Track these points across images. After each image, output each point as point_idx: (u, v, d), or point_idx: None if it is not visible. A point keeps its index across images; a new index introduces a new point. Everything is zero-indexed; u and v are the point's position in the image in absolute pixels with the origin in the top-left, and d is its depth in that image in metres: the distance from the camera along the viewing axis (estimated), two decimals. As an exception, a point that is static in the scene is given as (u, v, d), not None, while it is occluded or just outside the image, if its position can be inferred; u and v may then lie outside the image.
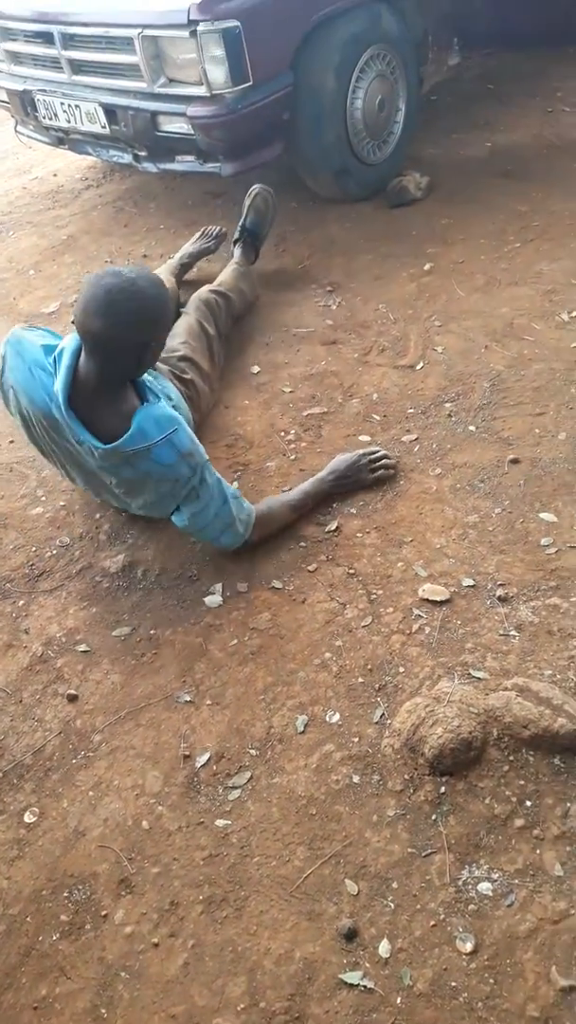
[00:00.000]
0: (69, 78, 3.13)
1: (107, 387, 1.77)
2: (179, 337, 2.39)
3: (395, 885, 1.35)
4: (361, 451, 2.10)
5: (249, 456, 2.21)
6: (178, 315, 2.50)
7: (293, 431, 2.28)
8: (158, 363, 2.18)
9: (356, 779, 1.49)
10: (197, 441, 1.84)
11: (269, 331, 2.72)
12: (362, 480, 2.05)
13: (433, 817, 1.42)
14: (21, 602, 1.95)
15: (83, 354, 1.75)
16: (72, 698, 1.73)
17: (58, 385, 1.74)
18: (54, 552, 2.05)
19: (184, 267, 2.94)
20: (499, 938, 1.27)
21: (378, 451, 2.09)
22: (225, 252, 3.04)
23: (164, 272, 2.87)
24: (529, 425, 2.14)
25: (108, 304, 1.64)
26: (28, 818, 1.54)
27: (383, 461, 2.07)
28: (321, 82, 2.98)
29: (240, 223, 2.96)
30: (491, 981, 1.23)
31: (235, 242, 2.95)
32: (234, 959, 1.31)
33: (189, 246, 3.04)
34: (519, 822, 1.39)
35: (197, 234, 3.10)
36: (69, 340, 1.79)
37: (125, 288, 1.65)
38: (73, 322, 1.72)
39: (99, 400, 1.76)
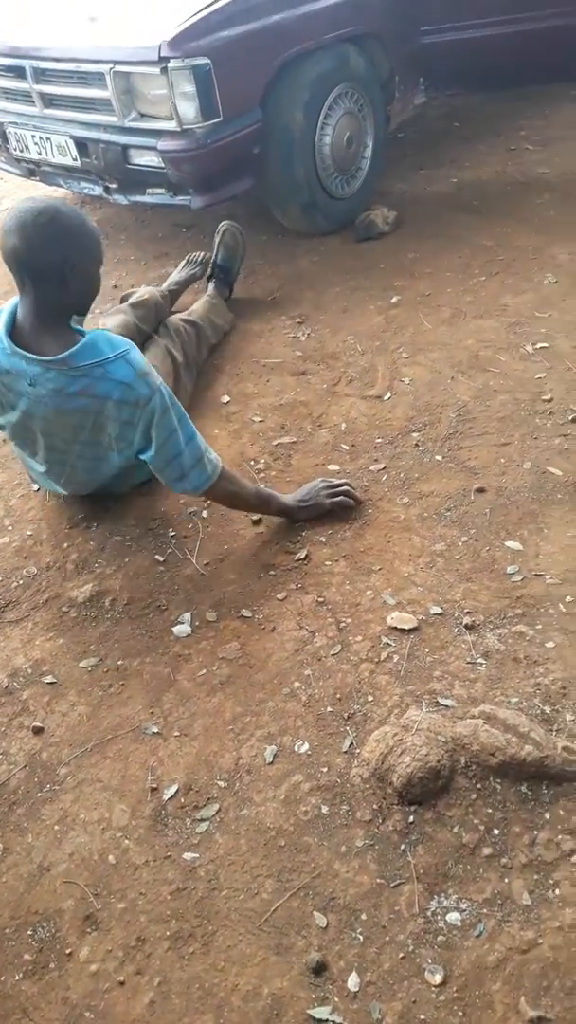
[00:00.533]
0: (41, 111, 3.16)
1: (45, 318, 1.80)
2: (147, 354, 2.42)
3: (364, 917, 1.34)
4: (324, 478, 2.11)
5: (218, 485, 2.21)
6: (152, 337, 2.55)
7: (263, 460, 2.29)
8: None
9: (325, 810, 1.49)
10: (151, 365, 1.86)
11: (239, 361, 2.74)
12: (320, 504, 2.06)
13: (402, 847, 1.42)
14: (-13, 633, 1.93)
15: (19, 298, 1.81)
16: (38, 730, 1.70)
17: (1, 327, 1.80)
18: (20, 582, 2.03)
19: (173, 295, 2.96)
20: (468, 969, 1.26)
21: (343, 481, 2.10)
22: (199, 286, 3.07)
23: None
24: (494, 455, 2.17)
25: (22, 223, 1.70)
26: (-9, 854, 1.51)
27: (343, 489, 2.08)
28: (290, 118, 3.04)
29: (212, 260, 3.01)
30: (460, 1013, 1.22)
31: (208, 278, 3.00)
32: (201, 996, 1.29)
33: (176, 274, 3.07)
34: (487, 851, 1.39)
35: (182, 262, 3.13)
36: (7, 303, 1.86)
37: (39, 208, 1.71)
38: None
39: (41, 333, 1.80)
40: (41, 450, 1.99)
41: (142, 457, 1.92)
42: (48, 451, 1.99)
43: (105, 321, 2.49)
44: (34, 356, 1.78)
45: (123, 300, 2.63)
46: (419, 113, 3.83)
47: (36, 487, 2.29)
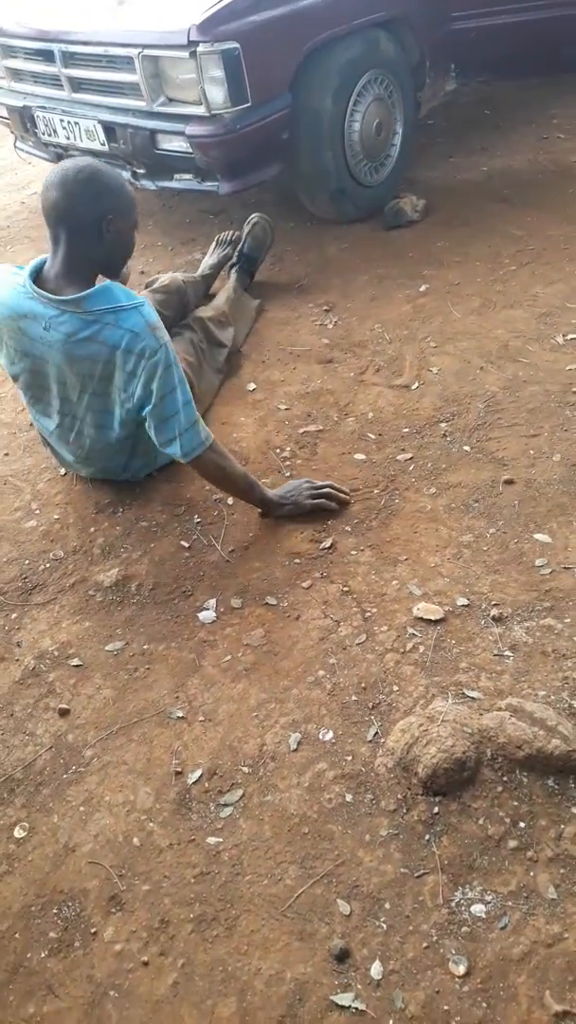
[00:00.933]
0: (69, 95, 3.16)
1: (72, 270, 1.86)
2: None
3: (387, 906, 1.34)
4: (308, 479, 2.11)
5: (244, 472, 2.21)
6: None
7: (288, 448, 2.29)
8: None
9: (349, 798, 1.49)
10: (163, 326, 1.90)
11: (265, 349, 2.73)
12: (300, 504, 2.05)
13: (426, 837, 1.41)
14: (14, 615, 1.94)
15: (51, 251, 1.88)
16: (64, 712, 1.71)
17: (26, 271, 1.89)
18: (48, 565, 2.04)
19: (207, 279, 2.95)
20: (492, 961, 1.26)
21: (326, 483, 2.08)
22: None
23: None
24: (524, 446, 2.15)
25: (63, 178, 1.79)
26: (18, 833, 1.52)
27: (325, 491, 2.06)
28: (320, 104, 3.01)
29: (238, 249, 3.01)
30: (484, 1005, 1.22)
31: (232, 267, 2.99)
32: (224, 979, 1.30)
33: (209, 258, 3.07)
34: (513, 843, 1.38)
35: (212, 245, 3.12)
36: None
37: (80, 165, 1.81)
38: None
39: (65, 282, 1.86)
40: (54, 400, 2.02)
41: (143, 413, 1.93)
42: (60, 402, 2.01)
43: None
44: (50, 296, 1.84)
45: (147, 287, 2.63)
46: (450, 100, 3.78)
47: (63, 471, 2.30)
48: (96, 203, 1.80)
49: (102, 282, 1.89)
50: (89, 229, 1.82)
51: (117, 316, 1.82)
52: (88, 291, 1.83)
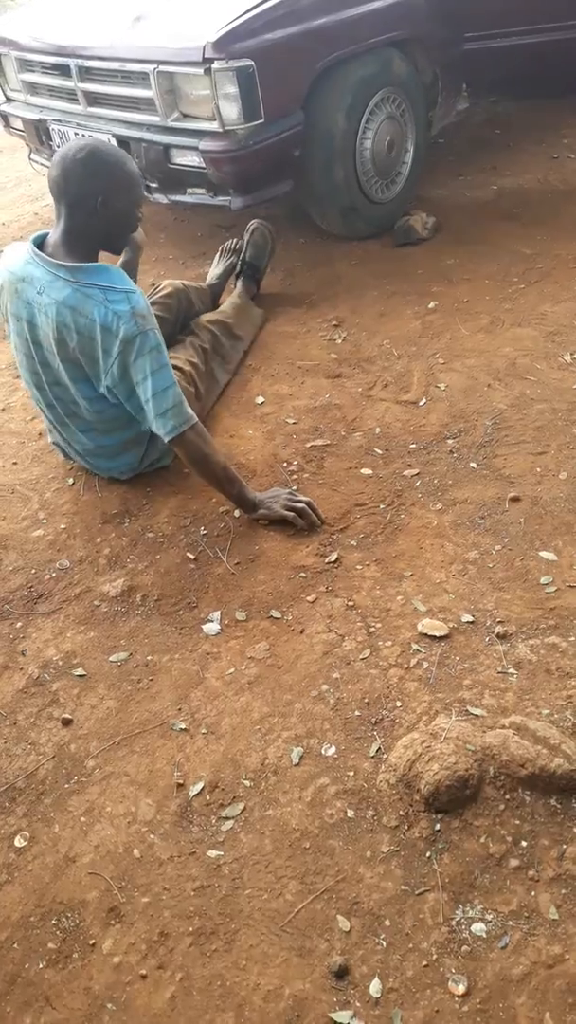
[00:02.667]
0: (84, 109, 3.19)
1: (73, 242, 1.94)
2: (173, 350, 2.49)
3: (387, 923, 1.34)
4: (291, 490, 2.13)
5: (251, 485, 2.21)
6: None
7: (296, 462, 2.29)
8: None
9: (350, 813, 1.48)
10: (153, 315, 1.95)
11: (274, 363, 2.74)
12: (273, 509, 2.07)
13: (427, 854, 1.41)
14: (19, 624, 1.94)
15: (54, 223, 1.97)
16: (67, 722, 1.72)
17: (31, 238, 1.99)
18: (53, 575, 2.05)
19: (215, 288, 2.98)
20: (492, 981, 1.25)
21: (306, 500, 2.09)
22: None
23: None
24: (530, 464, 2.16)
25: (63, 157, 1.88)
26: (18, 842, 1.52)
27: (300, 507, 2.06)
28: (332, 122, 3.04)
29: (240, 257, 3.03)
30: (483, 1024, 1.21)
31: (236, 276, 3.02)
32: (222, 994, 1.29)
33: (215, 268, 3.10)
34: (514, 862, 1.38)
35: (217, 255, 3.16)
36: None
37: (80, 145, 1.89)
38: None
39: (67, 252, 1.94)
40: (38, 367, 2.07)
41: (121, 393, 2.01)
42: (43, 368, 2.06)
43: None
44: (49, 259, 1.91)
45: (149, 296, 2.65)
46: (461, 119, 3.81)
47: (71, 481, 2.31)
48: (91, 182, 1.87)
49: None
50: (85, 206, 1.89)
51: (106, 294, 1.88)
52: (85, 263, 1.91)
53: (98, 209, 1.90)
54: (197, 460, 2.02)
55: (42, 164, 3.68)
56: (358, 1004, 1.25)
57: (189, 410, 1.97)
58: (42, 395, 2.15)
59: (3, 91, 3.69)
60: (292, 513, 2.05)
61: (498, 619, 1.77)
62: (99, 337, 1.90)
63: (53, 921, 1.41)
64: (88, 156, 1.86)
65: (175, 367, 2.37)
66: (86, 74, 3.12)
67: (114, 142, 3.06)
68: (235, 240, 3.14)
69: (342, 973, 1.29)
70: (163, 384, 1.94)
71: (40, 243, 1.98)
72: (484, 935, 1.30)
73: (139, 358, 1.91)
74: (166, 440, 1.98)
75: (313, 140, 3.04)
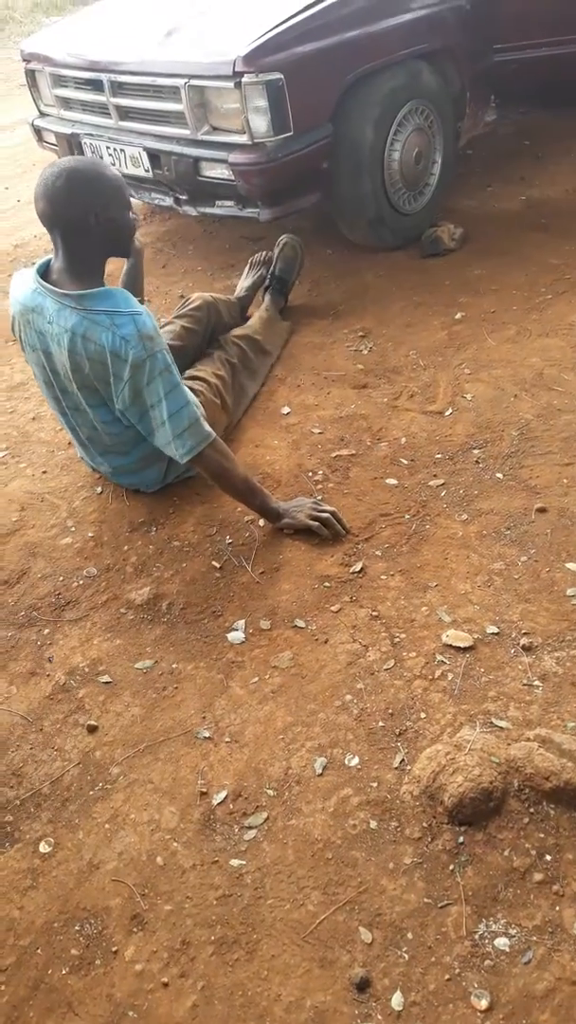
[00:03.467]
0: (116, 123, 3.24)
1: (77, 267, 1.93)
2: (201, 363, 2.52)
3: (410, 936, 1.33)
4: (315, 500, 2.14)
5: (276, 495, 2.22)
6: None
7: (321, 472, 2.30)
8: None
9: (373, 825, 1.48)
10: (161, 335, 1.94)
11: (300, 373, 2.76)
12: (298, 519, 2.08)
13: (451, 867, 1.40)
14: (46, 630, 1.97)
15: (53, 251, 1.96)
16: (92, 729, 1.73)
17: (34, 267, 1.98)
18: (81, 582, 2.07)
19: (243, 300, 3.00)
20: (515, 997, 1.24)
21: (331, 509, 2.10)
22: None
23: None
24: (557, 475, 2.14)
25: (44, 187, 1.85)
26: (43, 848, 1.54)
27: (325, 517, 2.07)
28: (360, 134, 3.05)
29: (270, 271, 3.05)
30: (506, 1041, 1.20)
31: (265, 289, 3.04)
32: (244, 1004, 1.29)
33: (244, 280, 3.13)
34: (538, 876, 1.36)
35: (246, 268, 3.18)
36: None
37: (56, 171, 1.85)
38: None
39: (71, 278, 1.93)
40: (58, 393, 2.09)
41: (134, 416, 2.00)
42: (63, 394, 2.07)
43: (162, 329, 2.55)
44: (54, 289, 1.91)
45: (178, 308, 2.67)
46: (489, 130, 3.81)
47: (99, 489, 2.34)
48: (80, 202, 1.85)
49: (111, 284, 1.97)
50: (80, 227, 1.88)
51: (113, 319, 1.88)
52: (91, 290, 1.90)
53: (94, 225, 1.88)
54: (218, 476, 2.03)
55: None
56: (379, 1017, 1.25)
57: (207, 427, 1.98)
58: (64, 419, 2.18)
59: (37, 106, 3.76)
60: (317, 523, 2.06)
61: (523, 631, 1.76)
62: (109, 362, 1.90)
63: (76, 927, 1.42)
64: (68, 178, 1.83)
65: (200, 379, 2.39)
66: (118, 89, 3.17)
67: (145, 155, 3.11)
68: (264, 253, 3.16)
69: (364, 985, 1.28)
70: (178, 405, 1.94)
71: (44, 270, 1.98)
72: (507, 950, 1.29)
73: (151, 382, 1.91)
74: (183, 461, 1.98)
75: (341, 152, 3.05)
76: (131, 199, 2.00)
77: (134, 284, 2.53)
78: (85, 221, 1.87)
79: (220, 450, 2.00)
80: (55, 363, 2.01)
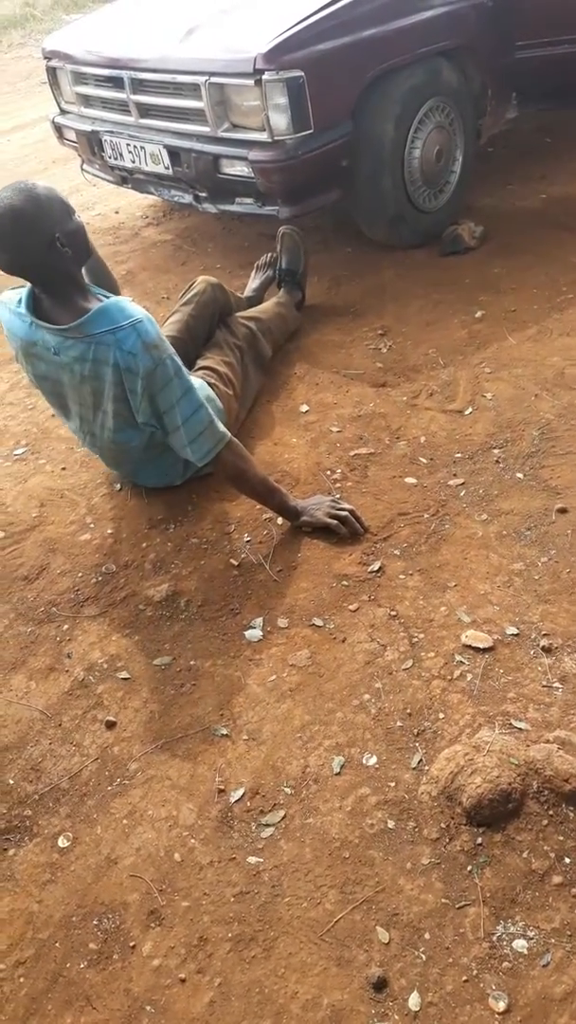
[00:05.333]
0: (136, 121, 3.24)
1: (57, 292, 1.89)
2: (208, 351, 2.52)
3: (427, 936, 1.33)
4: (334, 498, 2.14)
5: (295, 493, 2.22)
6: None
7: (339, 470, 2.30)
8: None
9: (391, 824, 1.48)
10: (165, 338, 1.91)
11: (319, 372, 2.75)
12: (316, 517, 2.08)
13: (468, 868, 1.40)
14: (65, 626, 1.98)
15: (30, 285, 1.92)
16: (111, 725, 1.74)
17: (23, 305, 1.93)
18: (100, 578, 2.08)
19: (252, 300, 3.01)
20: (533, 999, 1.24)
21: (349, 508, 2.09)
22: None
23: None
24: (578, 475, 2.13)
25: None
26: (62, 843, 1.54)
27: (343, 515, 2.06)
28: (381, 131, 3.04)
29: (276, 267, 3.06)
30: (524, 1043, 1.20)
31: (278, 285, 3.04)
32: (261, 1001, 1.29)
33: (252, 282, 3.14)
34: (557, 879, 1.36)
35: (253, 271, 3.19)
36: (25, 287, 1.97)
37: (0, 217, 1.74)
38: None
39: (57, 306, 1.90)
40: (75, 417, 2.09)
41: (154, 423, 1.99)
42: (80, 418, 2.08)
43: (168, 319, 2.56)
44: (52, 326, 1.89)
45: (182, 296, 2.65)
46: (510, 128, 3.78)
47: (118, 486, 2.35)
48: (34, 240, 1.77)
49: (100, 301, 1.92)
50: (44, 259, 1.81)
51: (115, 336, 1.85)
52: (84, 318, 1.86)
53: (59, 250, 1.81)
54: (235, 477, 2.04)
55: (94, 175, 3.75)
56: (396, 1017, 1.25)
57: (222, 428, 1.97)
58: (83, 438, 2.20)
59: (58, 103, 3.77)
60: (335, 521, 2.05)
61: (543, 632, 1.75)
62: (124, 380, 1.90)
63: (94, 922, 1.42)
64: (14, 220, 1.74)
65: (211, 368, 2.39)
66: (138, 86, 3.17)
67: (165, 153, 3.11)
68: (269, 254, 3.16)
69: (381, 985, 1.28)
70: (191, 409, 1.93)
71: (32, 301, 1.93)
72: (526, 952, 1.29)
73: (163, 389, 1.90)
74: (200, 464, 1.99)
75: (361, 150, 3.04)
76: (68, 202, 1.89)
77: (100, 276, 2.36)
78: (51, 253, 1.80)
79: (236, 451, 2.00)
80: (69, 390, 2.00)
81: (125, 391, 1.93)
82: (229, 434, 1.99)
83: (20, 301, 1.94)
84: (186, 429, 1.94)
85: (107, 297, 1.96)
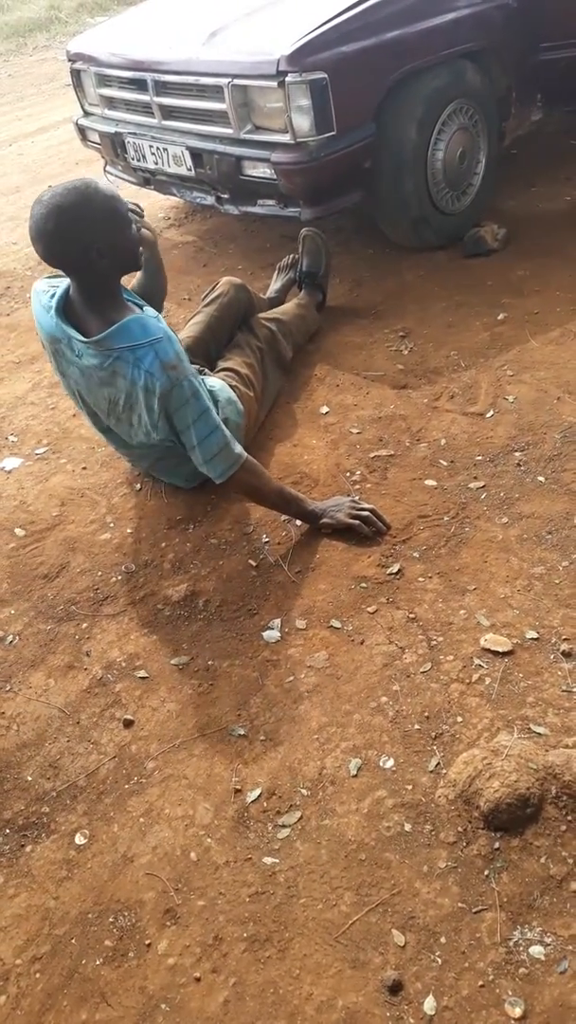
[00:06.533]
0: (159, 123, 3.26)
1: (91, 296, 1.89)
2: (230, 352, 2.53)
3: (443, 940, 1.32)
4: (353, 498, 2.13)
5: (314, 495, 2.22)
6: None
7: (359, 472, 2.29)
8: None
9: (408, 827, 1.47)
10: (185, 358, 1.91)
11: (339, 373, 2.75)
12: (337, 518, 2.07)
13: (486, 873, 1.39)
14: (85, 625, 1.99)
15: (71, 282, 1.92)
16: (128, 723, 1.74)
17: (53, 302, 1.93)
18: (119, 578, 2.09)
19: (273, 302, 3.02)
20: (550, 1006, 1.23)
21: (370, 507, 2.09)
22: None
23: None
24: (600, 479, 2.11)
25: (38, 232, 1.77)
26: (79, 840, 1.55)
27: (365, 515, 2.06)
28: (404, 133, 3.04)
29: (298, 269, 3.06)
30: (540, 1050, 1.19)
31: (299, 287, 3.05)
32: (275, 1001, 1.29)
33: (274, 283, 3.15)
34: (575, 886, 1.34)
35: (275, 272, 3.20)
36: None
37: (45, 213, 1.75)
38: None
39: (88, 311, 1.91)
40: (92, 412, 2.10)
41: (172, 438, 2.00)
42: (97, 414, 2.09)
43: (191, 320, 2.58)
44: (75, 336, 1.89)
45: (204, 297, 2.66)
46: (534, 129, 3.76)
47: (138, 487, 2.36)
48: (75, 244, 1.77)
49: (131, 312, 1.91)
50: (83, 264, 1.82)
51: (135, 354, 1.86)
52: (106, 332, 1.85)
53: (97, 259, 1.81)
54: (251, 494, 2.06)
55: (117, 176, 3.77)
56: (412, 1020, 1.24)
57: (237, 449, 1.97)
58: (99, 434, 2.22)
59: (82, 105, 3.80)
60: (357, 521, 2.05)
61: (564, 636, 1.74)
62: (141, 397, 1.91)
63: (110, 919, 1.43)
64: (57, 219, 1.74)
65: (232, 370, 2.39)
66: (162, 88, 3.19)
67: (188, 154, 3.12)
68: (291, 256, 3.17)
69: (396, 988, 1.27)
70: (207, 430, 1.93)
71: (65, 301, 1.93)
72: (543, 958, 1.28)
73: (179, 409, 1.91)
74: (219, 482, 1.99)
75: (384, 151, 3.04)
76: (130, 211, 1.91)
77: (154, 280, 2.38)
78: (87, 258, 1.80)
79: (251, 469, 1.99)
80: (87, 392, 2.02)
81: (137, 405, 1.93)
82: (245, 454, 1.98)
83: (53, 296, 1.95)
84: (201, 449, 1.94)
85: (140, 307, 1.96)
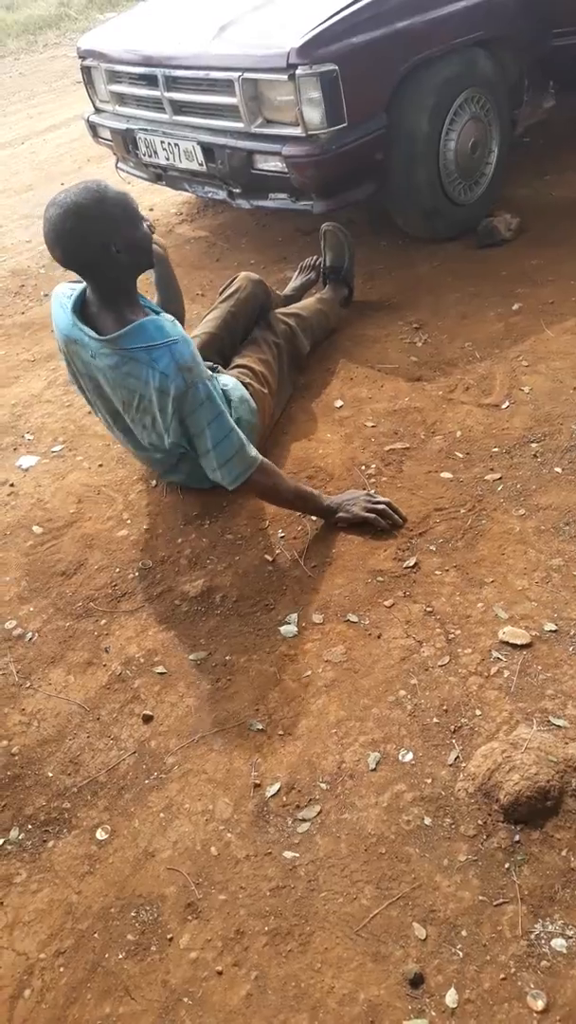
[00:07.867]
0: (170, 118, 3.26)
1: (107, 297, 1.91)
2: (246, 349, 2.52)
3: (464, 933, 1.32)
4: (368, 492, 2.12)
5: (329, 489, 2.22)
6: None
7: (374, 465, 2.29)
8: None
9: (428, 821, 1.47)
10: (200, 361, 1.91)
11: (353, 366, 2.74)
12: (352, 512, 2.06)
13: (506, 866, 1.38)
14: (103, 621, 2.00)
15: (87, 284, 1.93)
16: (147, 719, 1.75)
17: (70, 302, 1.95)
18: (136, 574, 2.10)
19: (290, 300, 3.00)
20: (573, 998, 1.22)
21: (385, 500, 2.09)
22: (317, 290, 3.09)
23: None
24: (617, 469, 2.10)
25: (54, 234, 1.78)
26: (100, 835, 1.56)
27: (381, 508, 2.06)
28: (415, 124, 3.02)
29: (321, 268, 3.04)
30: (563, 1043, 1.19)
31: (323, 283, 3.03)
32: (297, 995, 1.30)
33: (294, 281, 3.15)
34: (597, 878, 1.34)
35: (296, 271, 3.19)
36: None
37: (60, 215, 1.76)
38: None
39: (103, 312, 1.92)
40: (108, 414, 2.10)
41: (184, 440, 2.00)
42: (113, 415, 2.09)
43: (207, 316, 2.57)
44: (90, 334, 1.90)
45: (221, 292, 2.65)
46: (547, 118, 3.73)
47: (154, 483, 2.36)
48: (90, 244, 1.79)
49: (146, 315, 1.92)
50: (100, 264, 1.84)
51: (150, 354, 1.86)
52: (121, 331, 1.86)
53: (116, 255, 1.83)
54: (266, 495, 2.07)
55: (128, 172, 3.78)
56: (433, 1013, 1.24)
57: (252, 452, 1.96)
58: (114, 435, 2.22)
59: (93, 102, 3.80)
60: (373, 515, 2.05)
61: (582, 628, 1.73)
62: (155, 399, 1.90)
63: (132, 913, 1.44)
64: (75, 218, 1.76)
65: (247, 367, 2.39)
66: (172, 83, 3.19)
67: (199, 149, 3.12)
68: (315, 257, 3.14)
69: (417, 981, 1.28)
70: (222, 434, 1.92)
71: (79, 302, 1.95)
72: (564, 951, 1.27)
73: (193, 412, 1.90)
74: (231, 488, 1.98)
75: (396, 143, 3.02)
76: (138, 210, 1.92)
77: (167, 288, 2.42)
78: (105, 256, 1.82)
79: (266, 471, 1.99)
80: (104, 391, 2.02)
81: (151, 406, 1.93)
82: (260, 456, 1.98)
83: (70, 297, 1.97)
84: (216, 453, 1.93)
85: (155, 312, 1.97)
